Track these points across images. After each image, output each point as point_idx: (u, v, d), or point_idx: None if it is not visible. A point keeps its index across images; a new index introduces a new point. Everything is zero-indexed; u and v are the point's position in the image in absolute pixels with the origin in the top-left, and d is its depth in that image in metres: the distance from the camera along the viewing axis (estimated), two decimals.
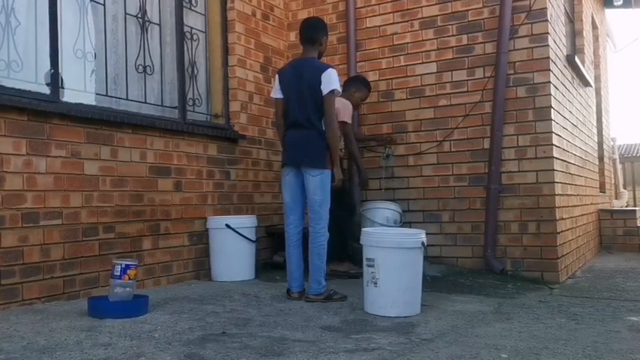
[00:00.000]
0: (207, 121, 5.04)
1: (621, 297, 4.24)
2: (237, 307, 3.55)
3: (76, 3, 3.99)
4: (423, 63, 5.33)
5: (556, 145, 4.90)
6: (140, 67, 4.46)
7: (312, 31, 3.98)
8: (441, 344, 2.74)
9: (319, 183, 3.78)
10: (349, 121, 4.88)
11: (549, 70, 4.84)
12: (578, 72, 6.24)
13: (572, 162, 5.70)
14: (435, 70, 5.27)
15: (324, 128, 3.82)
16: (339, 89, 3.87)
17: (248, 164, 5.28)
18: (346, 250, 4.91)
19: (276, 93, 3.99)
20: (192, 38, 4.95)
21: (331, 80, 3.77)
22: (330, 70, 3.83)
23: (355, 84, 5.16)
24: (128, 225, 4.06)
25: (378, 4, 5.56)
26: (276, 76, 4.05)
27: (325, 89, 3.76)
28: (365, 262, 3.52)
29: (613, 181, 9.99)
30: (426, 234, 3.56)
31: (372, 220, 4.95)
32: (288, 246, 3.94)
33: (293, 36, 5.94)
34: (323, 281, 3.81)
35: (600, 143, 8.56)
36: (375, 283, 3.41)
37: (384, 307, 3.39)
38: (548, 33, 4.86)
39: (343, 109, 4.82)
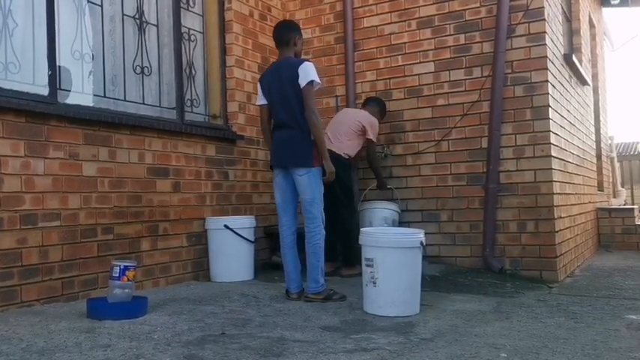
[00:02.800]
0: (206, 122, 5.04)
1: (620, 295, 4.24)
2: (237, 308, 3.55)
3: (73, 4, 3.99)
4: (420, 62, 5.33)
5: (554, 144, 4.91)
6: (138, 68, 4.45)
7: (283, 32, 4.01)
8: (440, 344, 2.75)
9: (307, 182, 3.77)
10: (375, 140, 5.06)
11: (547, 69, 4.84)
12: (575, 71, 6.24)
13: (570, 161, 5.70)
14: (433, 70, 5.27)
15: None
16: (318, 80, 3.82)
17: (246, 165, 5.28)
18: (355, 253, 4.88)
19: (260, 100, 4.00)
20: (189, 39, 4.95)
21: (308, 73, 3.77)
22: (305, 63, 3.83)
23: (380, 107, 5.27)
24: (127, 226, 4.06)
25: (376, 4, 5.56)
26: (258, 84, 4.06)
27: (302, 82, 3.75)
28: (364, 262, 3.52)
29: (611, 180, 10.00)
30: (425, 233, 3.57)
31: (370, 221, 4.96)
32: (283, 247, 3.95)
33: None
34: (321, 280, 3.80)
35: (598, 142, 8.57)
36: (374, 283, 3.41)
37: (384, 306, 3.39)
38: (545, 32, 4.87)
39: (371, 127, 4.99)
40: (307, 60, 3.98)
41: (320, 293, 3.77)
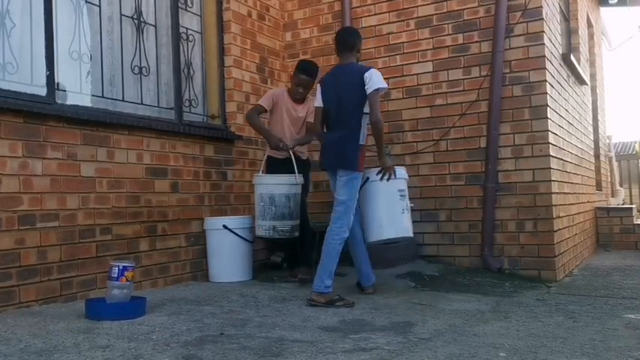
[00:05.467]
0: (204, 122, 5.04)
1: (618, 295, 4.25)
2: (235, 308, 3.55)
3: (71, 4, 3.99)
4: (419, 62, 5.33)
5: (552, 144, 4.91)
6: (136, 68, 4.45)
7: (348, 37, 4.12)
8: (439, 343, 2.75)
9: (345, 183, 3.83)
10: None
11: (545, 68, 4.85)
12: (573, 70, 6.25)
13: (568, 160, 5.71)
14: (431, 70, 5.27)
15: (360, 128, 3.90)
16: (385, 86, 3.93)
17: (245, 165, 5.27)
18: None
19: (318, 102, 4.08)
20: (188, 39, 4.94)
21: (375, 80, 3.83)
22: (372, 70, 3.90)
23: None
24: (125, 226, 4.05)
25: (374, 3, 5.56)
26: (319, 86, 4.13)
27: (370, 88, 3.81)
28: (398, 194, 4.06)
29: (609, 179, 10.01)
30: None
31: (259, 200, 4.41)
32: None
33: (289, 36, 5.95)
34: (327, 281, 3.71)
35: (596, 141, 8.58)
36: (408, 210, 4.11)
37: (410, 228, 4.14)
38: (543, 31, 4.87)
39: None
40: (372, 67, 4.05)
41: (323, 294, 3.68)
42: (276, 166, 4.57)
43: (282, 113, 4.64)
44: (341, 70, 4.02)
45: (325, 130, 4.08)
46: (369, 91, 3.82)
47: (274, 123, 4.71)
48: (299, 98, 4.65)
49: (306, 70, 4.62)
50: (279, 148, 4.47)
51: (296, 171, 4.36)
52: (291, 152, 4.42)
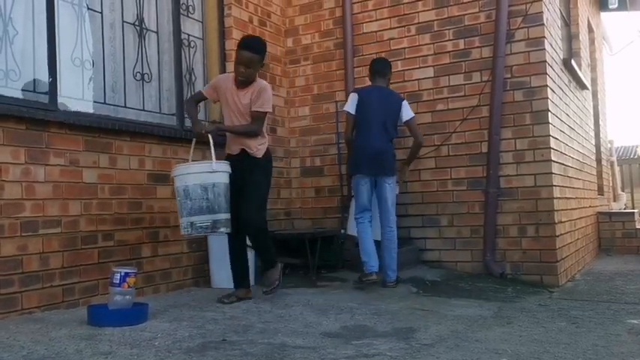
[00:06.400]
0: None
1: (621, 300, 4.24)
2: (237, 314, 3.55)
3: (73, 11, 4.00)
4: (420, 68, 5.34)
5: (554, 149, 4.91)
6: (138, 74, 4.46)
7: (385, 66, 4.81)
8: (441, 349, 2.74)
9: (392, 188, 4.57)
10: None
11: (546, 73, 4.85)
12: (574, 75, 6.26)
13: (570, 165, 5.71)
14: (432, 75, 5.28)
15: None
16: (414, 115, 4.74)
17: None
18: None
19: (351, 108, 4.62)
20: (189, 45, 4.96)
21: (409, 109, 4.68)
22: (405, 101, 4.73)
23: None
24: (127, 232, 4.06)
25: (375, 9, 5.57)
26: (355, 94, 4.69)
27: (407, 116, 4.64)
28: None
29: (611, 184, 10.00)
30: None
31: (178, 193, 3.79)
32: (365, 228, 4.50)
33: (290, 42, 5.96)
34: (397, 270, 4.49)
35: (598, 146, 8.58)
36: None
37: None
38: (544, 37, 4.88)
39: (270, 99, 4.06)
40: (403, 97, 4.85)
41: (394, 281, 4.45)
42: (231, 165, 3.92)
43: (228, 102, 4.00)
44: (382, 92, 4.65)
45: (356, 138, 4.59)
46: (407, 118, 4.63)
47: (224, 114, 4.15)
48: (242, 80, 3.89)
49: (250, 45, 3.91)
50: (203, 138, 3.89)
51: (213, 158, 3.77)
52: (210, 137, 3.85)
